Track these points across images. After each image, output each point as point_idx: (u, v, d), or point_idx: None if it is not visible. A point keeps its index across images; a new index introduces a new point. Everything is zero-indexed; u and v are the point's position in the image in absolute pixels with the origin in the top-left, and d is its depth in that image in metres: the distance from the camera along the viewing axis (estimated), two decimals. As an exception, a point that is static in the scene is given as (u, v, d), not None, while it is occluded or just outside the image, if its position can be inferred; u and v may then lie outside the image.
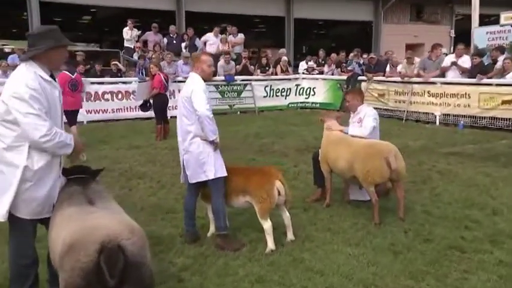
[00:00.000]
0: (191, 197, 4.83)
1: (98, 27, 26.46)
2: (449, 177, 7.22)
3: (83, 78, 10.18)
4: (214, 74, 14.15)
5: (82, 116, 11.86)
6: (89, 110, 12.39)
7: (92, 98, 12.54)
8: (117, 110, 12.75)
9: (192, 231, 4.81)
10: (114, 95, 12.88)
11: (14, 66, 13.07)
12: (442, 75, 12.52)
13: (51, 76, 3.35)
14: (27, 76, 3.14)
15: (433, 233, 5.03)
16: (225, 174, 4.61)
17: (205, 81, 4.62)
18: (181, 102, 4.62)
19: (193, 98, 4.44)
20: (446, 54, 13.99)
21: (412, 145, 9.67)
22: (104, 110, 12.75)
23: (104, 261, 2.59)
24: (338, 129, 5.90)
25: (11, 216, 3.23)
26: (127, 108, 12.60)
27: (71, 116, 9.42)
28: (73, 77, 9.47)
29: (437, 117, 12.44)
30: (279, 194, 4.48)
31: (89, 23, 27.31)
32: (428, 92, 12.67)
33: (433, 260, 4.38)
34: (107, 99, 12.82)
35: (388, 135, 10.73)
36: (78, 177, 3.54)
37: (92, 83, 12.86)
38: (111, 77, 13.76)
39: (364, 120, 5.89)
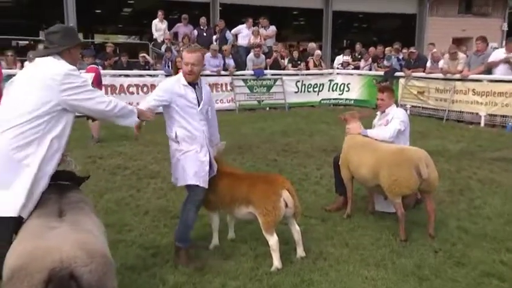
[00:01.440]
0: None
1: (137, 19, 26.59)
2: (492, 187, 6.50)
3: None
4: (240, 67, 13.88)
5: (106, 109, 11.73)
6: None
7: (117, 91, 12.37)
8: (142, 103, 12.51)
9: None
10: (140, 88, 12.64)
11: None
12: (489, 71, 11.57)
13: None
14: (63, 63, 3.19)
15: (467, 255, 4.40)
16: (193, 182, 4.10)
17: (186, 81, 4.12)
18: None
19: None
20: (496, 49, 12.97)
21: (451, 148, 8.92)
22: (129, 103, 12.39)
23: None
24: (357, 132, 5.35)
25: None
26: (152, 102, 12.28)
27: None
28: (99, 70, 9.25)
29: (483, 118, 11.54)
30: (286, 205, 3.98)
31: (129, 15, 27.60)
32: (473, 90, 11.76)
33: (465, 290, 3.79)
34: (132, 93, 12.60)
35: (426, 136, 10.06)
36: (60, 183, 3.19)
37: (118, 75, 12.72)
38: (138, 70, 13.54)
39: (391, 122, 5.33)
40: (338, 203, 5.58)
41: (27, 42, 22.13)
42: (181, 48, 13.80)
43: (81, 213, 2.88)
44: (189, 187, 4.15)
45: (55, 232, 2.53)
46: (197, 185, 4.10)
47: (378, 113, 5.71)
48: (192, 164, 4.08)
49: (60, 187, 3.13)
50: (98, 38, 30.91)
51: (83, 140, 9.09)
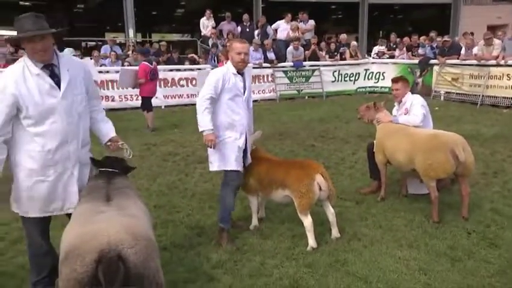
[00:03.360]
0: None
1: (189, 18, 26.80)
2: (526, 170, 6.05)
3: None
4: (280, 60, 13.65)
5: (160, 101, 11.93)
6: (166, 95, 12.42)
7: (169, 84, 12.52)
8: (191, 95, 12.58)
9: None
10: (189, 81, 12.71)
11: (105, 56, 13.58)
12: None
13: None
14: None
15: (501, 236, 4.12)
16: (225, 168, 4.04)
17: (236, 70, 4.02)
18: None
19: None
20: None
21: (485, 132, 8.39)
22: (180, 95, 12.68)
23: (102, 272, 2.17)
24: (388, 120, 5.09)
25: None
26: (200, 94, 12.34)
27: (148, 102, 9.37)
28: (152, 66, 9.32)
29: (517, 102, 10.80)
30: (320, 189, 3.83)
31: (181, 15, 27.90)
32: (507, 75, 11.03)
33: (498, 271, 3.54)
34: (183, 85, 12.70)
35: (460, 121, 9.52)
36: (108, 170, 3.14)
37: (170, 70, 12.83)
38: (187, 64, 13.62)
39: (413, 108, 5.06)
40: (372, 187, 5.38)
41: (94, 43, 22.77)
42: (226, 44, 13.76)
43: (127, 198, 2.82)
44: (227, 172, 4.08)
45: (103, 216, 2.50)
46: (235, 170, 4.03)
47: (396, 103, 5.43)
48: (231, 151, 4.01)
49: (109, 174, 3.07)
50: (155, 37, 31.37)
51: (140, 130, 9.25)
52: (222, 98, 3.97)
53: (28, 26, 2.77)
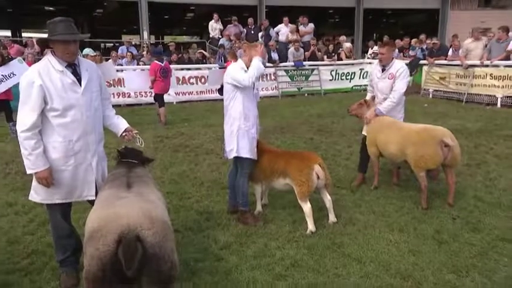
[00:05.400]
0: (232, 173, 4.39)
1: (198, 22, 26.72)
2: (507, 161, 6.03)
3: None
4: (281, 60, 13.56)
5: (172, 97, 11.92)
6: (177, 92, 12.40)
7: (180, 82, 12.48)
8: (200, 92, 12.56)
9: (232, 203, 4.40)
10: (198, 79, 12.66)
11: (122, 56, 13.55)
12: (507, 58, 10.69)
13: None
14: None
15: (483, 221, 4.12)
16: (248, 155, 4.06)
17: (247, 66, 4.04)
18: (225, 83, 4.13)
19: (233, 78, 3.96)
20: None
21: (470, 127, 8.33)
22: (190, 92, 12.64)
23: (122, 252, 2.19)
24: (373, 117, 5.00)
25: None
26: (208, 91, 12.28)
27: (161, 99, 9.38)
28: (162, 65, 9.29)
29: (499, 99, 10.71)
30: (318, 178, 3.83)
31: (191, 19, 27.82)
32: (490, 74, 10.93)
33: (480, 252, 3.54)
34: (192, 83, 12.65)
35: (446, 116, 9.46)
36: (129, 161, 3.16)
37: (181, 69, 12.79)
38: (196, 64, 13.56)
39: (397, 82, 4.87)
40: (359, 180, 5.29)
41: (111, 44, 22.75)
42: (235, 45, 13.69)
43: (145, 186, 2.84)
44: (242, 160, 4.10)
45: (124, 201, 2.51)
46: (250, 158, 4.05)
47: (379, 66, 5.08)
48: (247, 140, 4.05)
49: (129, 164, 3.11)
50: (167, 39, 31.29)
51: (153, 123, 9.26)
52: (242, 90, 3.99)
53: (62, 30, 2.84)
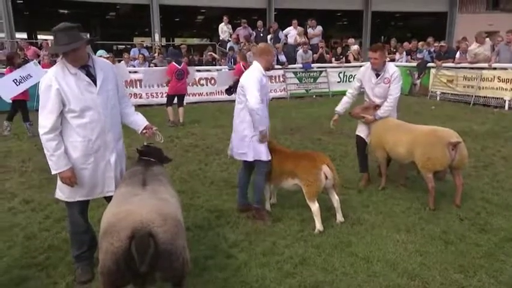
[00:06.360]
0: (242, 172, 4.42)
1: (208, 24, 26.85)
2: (515, 163, 5.95)
3: (189, 67, 10.03)
4: (290, 62, 13.59)
5: (183, 99, 11.95)
6: (188, 93, 12.40)
7: (191, 83, 12.47)
8: (210, 93, 12.62)
9: (242, 202, 4.42)
10: (208, 80, 12.71)
11: (134, 58, 13.67)
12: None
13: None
14: None
15: (490, 222, 4.08)
16: (264, 158, 4.08)
17: (267, 70, 4.12)
18: (239, 86, 4.12)
19: (245, 89, 3.96)
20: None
21: (477, 129, 8.26)
22: (200, 93, 12.69)
23: (135, 247, 2.23)
24: (372, 120, 5.03)
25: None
26: (218, 92, 12.34)
27: (179, 99, 9.47)
28: (179, 67, 9.34)
29: (507, 102, 10.61)
30: (326, 178, 3.84)
31: (201, 22, 27.94)
32: (498, 77, 10.82)
33: (487, 253, 3.51)
34: (202, 84, 12.70)
35: (454, 119, 9.38)
36: (146, 159, 3.19)
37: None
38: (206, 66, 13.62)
39: (392, 87, 4.87)
40: (365, 179, 5.29)
41: (124, 46, 22.95)
42: (244, 47, 13.74)
43: (160, 184, 2.86)
44: (259, 162, 4.12)
45: (137, 198, 2.55)
46: (267, 160, 4.10)
47: (373, 72, 4.98)
48: (263, 144, 4.08)
49: (146, 162, 3.14)
50: (177, 41, 31.48)
51: (164, 124, 9.31)
52: (260, 95, 3.97)
53: (59, 41, 2.87)
